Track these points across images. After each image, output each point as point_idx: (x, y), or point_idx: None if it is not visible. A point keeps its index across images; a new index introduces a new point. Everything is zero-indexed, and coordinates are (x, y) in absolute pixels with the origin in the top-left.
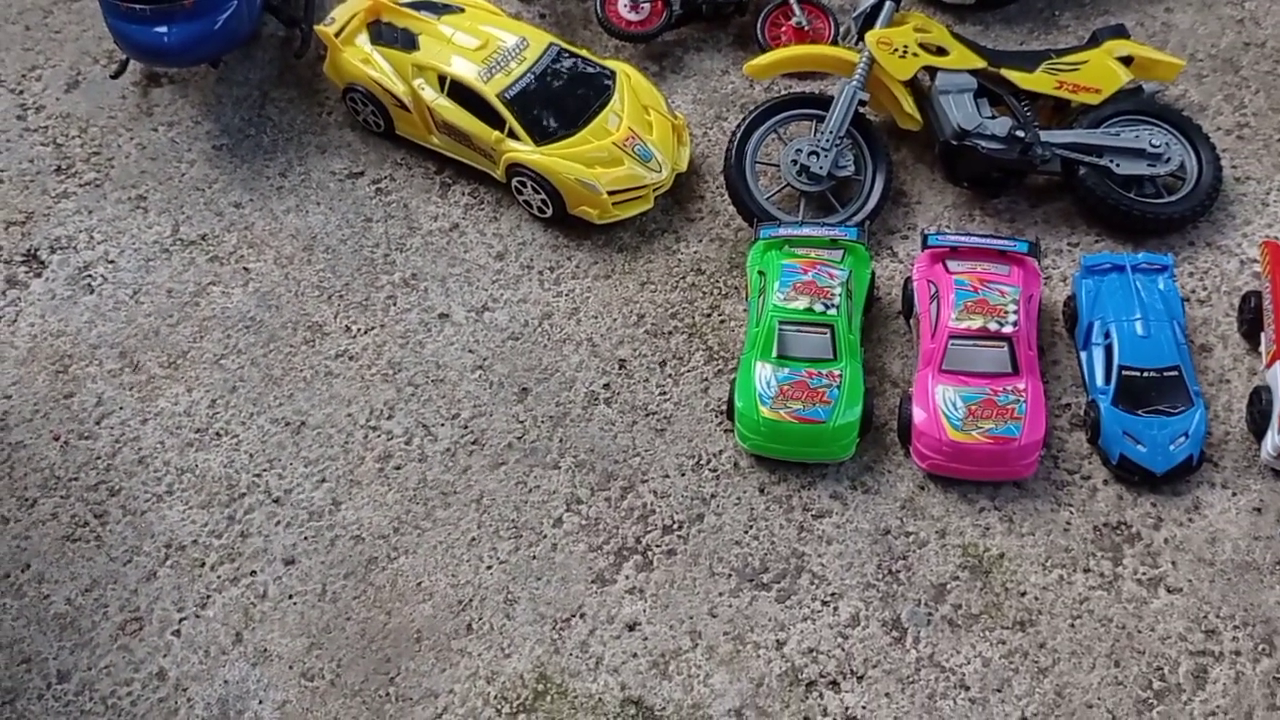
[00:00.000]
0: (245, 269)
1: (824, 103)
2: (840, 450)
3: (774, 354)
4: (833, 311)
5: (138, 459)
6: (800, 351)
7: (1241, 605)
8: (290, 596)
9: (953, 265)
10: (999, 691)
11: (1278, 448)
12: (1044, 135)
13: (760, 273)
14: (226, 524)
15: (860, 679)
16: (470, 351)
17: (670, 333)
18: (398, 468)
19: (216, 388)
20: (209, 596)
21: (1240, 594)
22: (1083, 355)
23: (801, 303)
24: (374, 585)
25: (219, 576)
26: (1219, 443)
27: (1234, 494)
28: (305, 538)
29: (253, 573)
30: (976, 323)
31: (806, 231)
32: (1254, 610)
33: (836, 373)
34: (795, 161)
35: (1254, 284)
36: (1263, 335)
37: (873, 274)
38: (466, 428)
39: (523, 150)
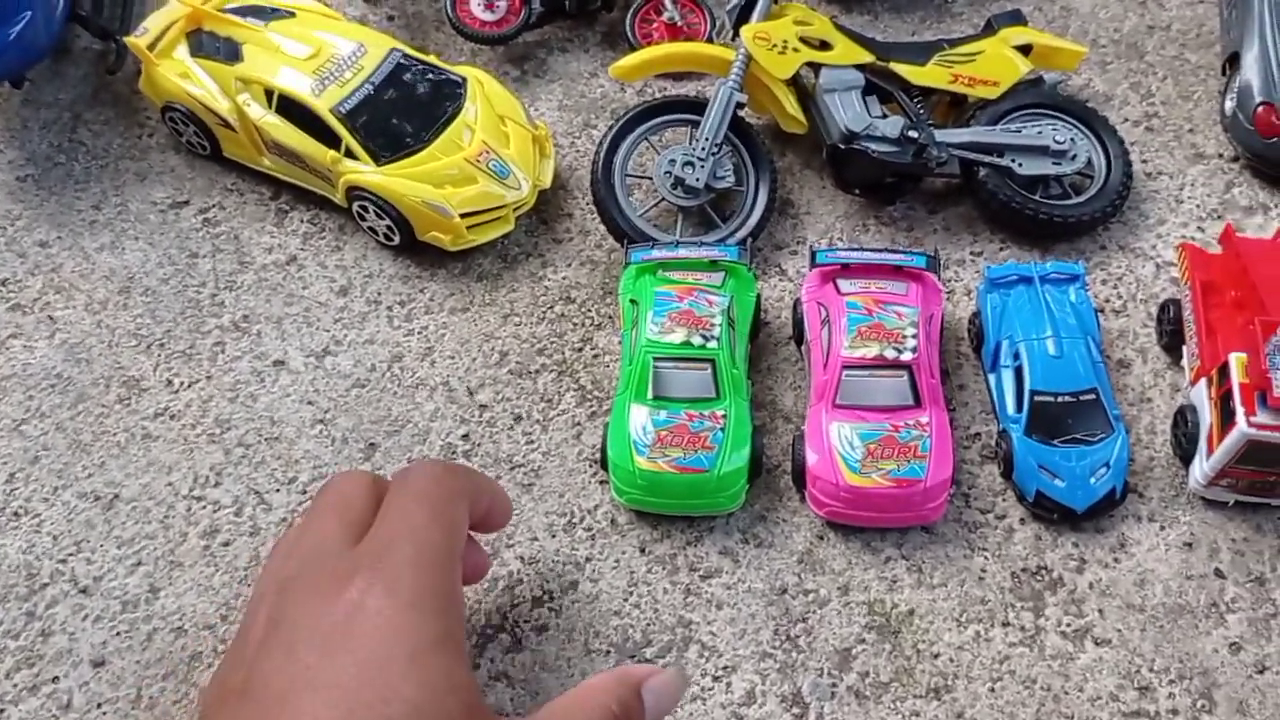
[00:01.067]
0: (51, 318)
1: (701, 106)
2: (728, 501)
3: (649, 395)
4: (713, 344)
5: None
6: (679, 391)
7: (1176, 656)
8: (99, 705)
9: (844, 285)
10: None
11: (1207, 476)
12: (939, 135)
13: (633, 301)
14: (25, 621)
15: None
16: (309, 403)
17: (537, 372)
18: (226, 544)
19: (15, 459)
20: (2, 710)
21: (1174, 643)
22: (991, 378)
23: (678, 335)
24: (198, 686)
25: (15, 685)
26: (1143, 470)
27: (1162, 528)
28: (118, 633)
29: (55, 679)
30: (872, 350)
31: (682, 253)
32: (1190, 661)
33: (720, 413)
34: (669, 173)
35: (1172, 290)
36: (1185, 349)
37: (758, 297)
38: (305, 493)
39: (362, 171)
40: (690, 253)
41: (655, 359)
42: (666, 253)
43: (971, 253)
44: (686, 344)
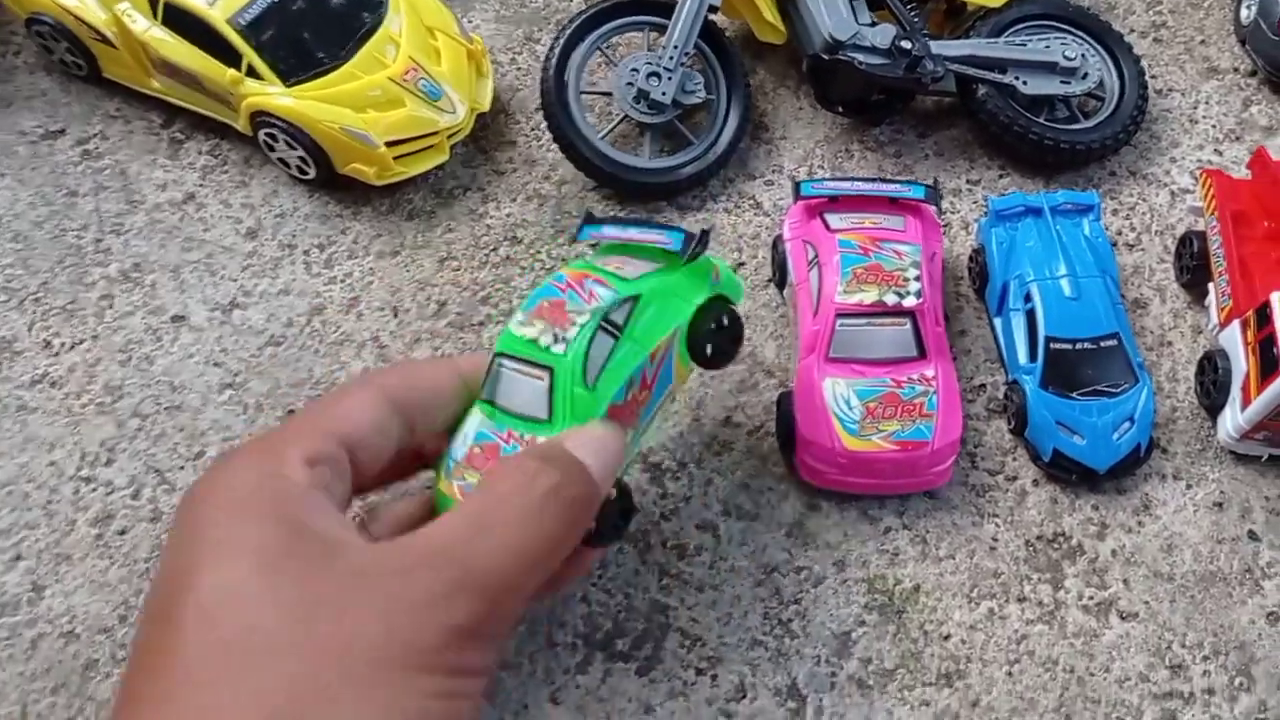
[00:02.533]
0: None
1: (660, 7)
2: None
3: (484, 396)
4: (559, 348)
5: None
6: (513, 402)
7: (1210, 629)
8: None
9: (834, 221)
10: None
11: (1240, 429)
12: (935, 46)
13: None
14: None
15: None
16: (216, 365)
17: (482, 323)
18: (122, 532)
19: None
20: None
21: (1207, 614)
22: (997, 323)
23: (532, 330)
24: (94, 700)
25: None
26: (1165, 422)
27: (1189, 486)
28: None
29: None
30: (870, 295)
31: (632, 235)
32: (1224, 634)
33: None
34: (632, 85)
35: (1190, 220)
36: (1211, 287)
37: (720, 306)
38: None
39: (268, 93)
40: (642, 235)
41: (500, 356)
42: (616, 232)
43: (968, 181)
44: (533, 344)
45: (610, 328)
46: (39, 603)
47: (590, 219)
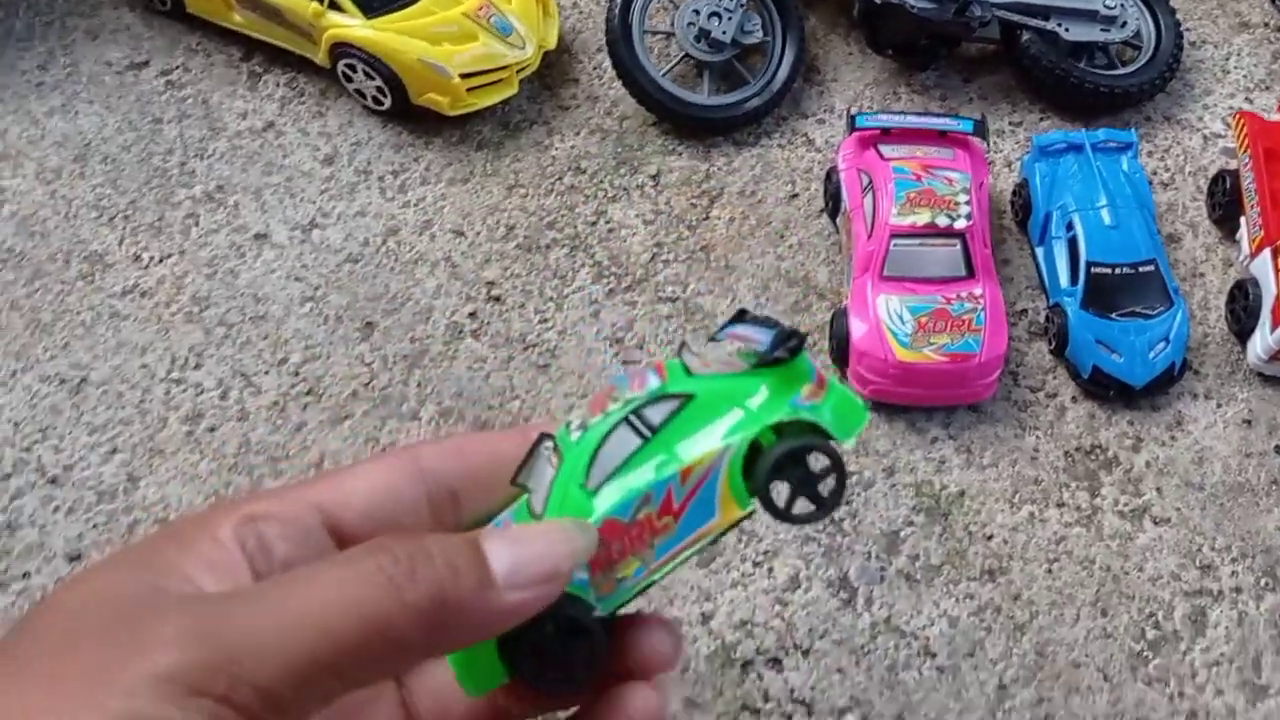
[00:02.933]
0: None
1: None
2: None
3: (520, 480)
4: (576, 435)
5: None
6: (537, 488)
7: (1238, 534)
8: None
9: (887, 151)
10: (971, 656)
11: (1269, 349)
12: None
13: None
14: None
15: (806, 653)
16: (297, 280)
17: (548, 246)
18: (211, 429)
19: None
20: None
21: (1235, 521)
22: (1039, 251)
23: (575, 414)
24: None
25: None
26: (1198, 346)
27: (1219, 405)
28: (94, 525)
29: (26, 575)
30: (923, 218)
31: (735, 331)
32: (1251, 539)
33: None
34: (694, 24)
35: (1221, 162)
36: (1243, 220)
37: (813, 443)
38: (298, 375)
39: (349, 25)
40: (743, 331)
41: (545, 436)
42: (731, 329)
43: (1010, 123)
44: (566, 427)
45: (640, 425)
46: (134, 492)
47: (739, 316)
